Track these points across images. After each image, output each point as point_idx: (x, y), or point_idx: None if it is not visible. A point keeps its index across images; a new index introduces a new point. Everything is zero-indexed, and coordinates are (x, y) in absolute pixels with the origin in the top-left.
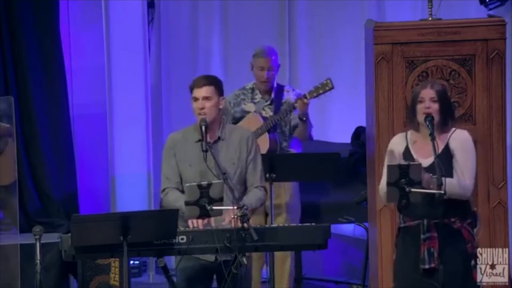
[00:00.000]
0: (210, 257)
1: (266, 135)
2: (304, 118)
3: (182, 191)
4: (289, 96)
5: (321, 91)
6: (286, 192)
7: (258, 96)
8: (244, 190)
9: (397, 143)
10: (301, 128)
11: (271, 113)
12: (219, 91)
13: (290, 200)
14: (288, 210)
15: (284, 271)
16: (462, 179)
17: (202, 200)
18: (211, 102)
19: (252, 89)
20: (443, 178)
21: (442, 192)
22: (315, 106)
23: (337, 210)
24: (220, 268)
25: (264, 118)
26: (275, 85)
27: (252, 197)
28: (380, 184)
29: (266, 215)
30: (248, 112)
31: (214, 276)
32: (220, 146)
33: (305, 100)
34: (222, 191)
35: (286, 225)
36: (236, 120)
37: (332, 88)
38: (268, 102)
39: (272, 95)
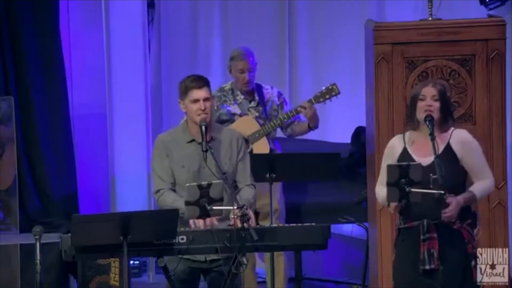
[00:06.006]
0: (200, 257)
1: (265, 138)
2: (314, 128)
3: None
4: (269, 94)
5: (327, 96)
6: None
7: (240, 97)
8: (235, 189)
9: (394, 145)
10: (303, 130)
11: (257, 114)
12: (211, 91)
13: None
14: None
15: (279, 268)
16: (482, 180)
17: (202, 200)
18: (210, 103)
19: (232, 90)
20: (474, 191)
21: (442, 192)
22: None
23: (337, 210)
24: (208, 268)
25: (259, 121)
26: (254, 85)
27: (246, 195)
28: (376, 187)
29: (257, 214)
30: (234, 114)
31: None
32: (212, 146)
33: (306, 108)
34: (222, 191)
35: (286, 225)
36: (221, 122)
37: (339, 93)
38: (254, 104)
39: (257, 97)
